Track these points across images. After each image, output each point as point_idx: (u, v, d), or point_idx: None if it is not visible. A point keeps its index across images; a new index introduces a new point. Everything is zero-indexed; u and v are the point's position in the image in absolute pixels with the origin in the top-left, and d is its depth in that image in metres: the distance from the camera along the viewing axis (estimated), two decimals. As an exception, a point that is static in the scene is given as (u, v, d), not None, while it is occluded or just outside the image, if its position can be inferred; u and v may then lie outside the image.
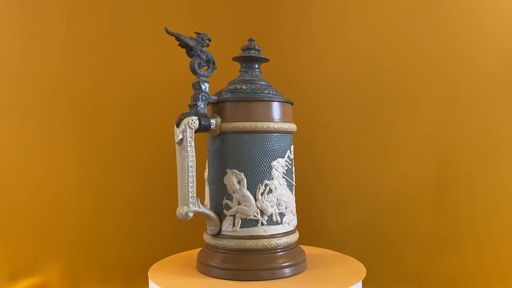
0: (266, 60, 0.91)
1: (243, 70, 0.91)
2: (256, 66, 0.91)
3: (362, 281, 0.85)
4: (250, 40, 0.91)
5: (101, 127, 1.30)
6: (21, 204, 1.30)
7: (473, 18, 1.20)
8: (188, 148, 0.81)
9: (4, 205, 1.30)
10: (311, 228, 1.24)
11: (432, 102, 1.22)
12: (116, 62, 1.30)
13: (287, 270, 0.84)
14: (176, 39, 0.84)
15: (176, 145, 0.82)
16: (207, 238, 0.88)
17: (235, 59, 0.92)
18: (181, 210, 0.81)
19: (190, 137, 0.81)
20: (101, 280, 1.27)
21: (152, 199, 1.30)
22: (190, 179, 0.81)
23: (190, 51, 0.86)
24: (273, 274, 0.83)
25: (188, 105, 0.86)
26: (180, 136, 0.81)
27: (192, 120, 0.81)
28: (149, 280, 0.84)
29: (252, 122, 0.84)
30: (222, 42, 1.25)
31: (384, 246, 1.23)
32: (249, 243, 0.84)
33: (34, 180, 1.30)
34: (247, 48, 0.91)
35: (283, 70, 1.25)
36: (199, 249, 0.93)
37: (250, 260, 0.83)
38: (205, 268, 0.86)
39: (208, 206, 0.88)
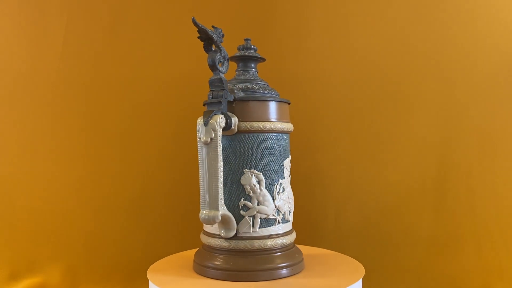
0: (263, 59, 0.91)
1: (240, 69, 0.91)
2: (253, 65, 0.91)
3: (362, 281, 0.85)
4: (247, 39, 0.90)
5: (101, 128, 1.30)
6: (21, 204, 1.30)
7: (471, 19, 1.20)
8: (218, 148, 0.77)
9: (4, 205, 1.30)
10: (311, 228, 1.25)
11: (432, 102, 1.22)
12: (116, 62, 1.30)
13: (287, 270, 0.84)
14: (199, 31, 0.80)
15: (203, 146, 0.78)
16: (215, 241, 0.85)
17: (232, 58, 0.91)
18: (209, 213, 0.77)
19: (219, 136, 0.78)
20: (101, 280, 1.27)
21: (152, 199, 1.30)
22: (220, 180, 0.78)
23: (209, 45, 0.82)
24: (292, 270, 0.85)
25: (207, 103, 0.82)
26: (211, 135, 0.77)
27: (221, 118, 0.78)
28: (149, 282, 0.84)
29: (272, 122, 0.84)
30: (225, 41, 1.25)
31: (384, 246, 1.23)
32: (270, 243, 0.84)
33: (34, 180, 1.30)
34: (245, 48, 0.90)
35: (281, 69, 1.25)
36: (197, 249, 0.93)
37: (264, 259, 0.83)
38: (206, 270, 0.85)
39: None
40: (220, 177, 0.78)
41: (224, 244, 0.84)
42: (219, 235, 0.85)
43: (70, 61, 1.30)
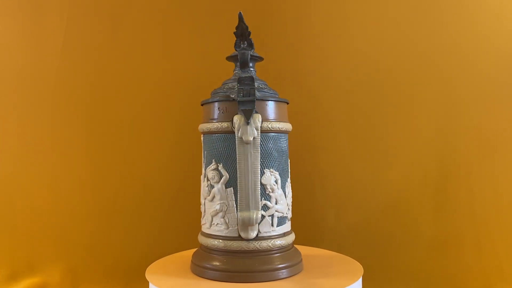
0: (261, 58, 0.90)
1: (237, 69, 0.90)
2: (251, 64, 0.90)
3: (362, 281, 0.85)
4: None
5: (101, 128, 1.30)
6: (21, 204, 1.30)
7: (471, 19, 1.20)
8: (259, 147, 0.77)
9: (4, 205, 1.30)
10: (311, 228, 1.24)
11: (432, 101, 1.22)
12: (116, 62, 1.30)
13: (286, 271, 0.84)
14: (238, 26, 0.79)
15: (243, 145, 0.77)
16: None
17: (229, 58, 0.90)
18: (252, 214, 0.77)
19: (260, 135, 0.78)
20: (101, 280, 1.27)
21: (153, 200, 1.30)
22: (259, 180, 0.78)
23: (241, 41, 0.81)
24: (304, 266, 0.86)
25: (238, 101, 0.80)
26: (254, 134, 0.77)
27: (260, 117, 0.78)
28: (150, 283, 0.84)
29: (286, 123, 0.86)
30: (218, 41, 1.25)
31: (384, 246, 1.23)
32: (285, 240, 0.85)
33: (34, 180, 1.30)
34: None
35: (280, 69, 1.25)
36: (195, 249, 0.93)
37: (264, 260, 0.82)
38: (204, 271, 0.84)
39: (235, 210, 0.83)
40: (259, 177, 0.78)
41: (247, 246, 0.83)
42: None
43: (70, 61, 1.30)
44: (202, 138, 0.89)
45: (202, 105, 0.89)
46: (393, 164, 1.24)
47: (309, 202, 1.26)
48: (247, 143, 0.77)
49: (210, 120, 0.85)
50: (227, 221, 0.83)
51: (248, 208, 0.78)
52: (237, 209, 0.82)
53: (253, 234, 0.82)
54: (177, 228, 1.27)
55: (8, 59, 1.31)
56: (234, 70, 0.91)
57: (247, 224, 0.78)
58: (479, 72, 1.19)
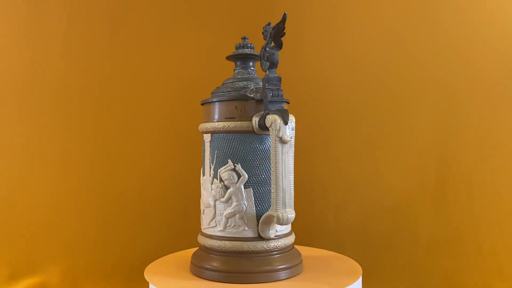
0: None
1: (239, 69, 0.89)
2: (251, 64, 0.90)
3: (362, 281, 0.85)
4: (244, 38, 0.89)
5: (101, 128, 1.30)
6: (21, 204, 1.30)
7: (469, 20, 1.20)
8: (293, 146, 0.78)
9: (4, 205, 1.30)
10: (311, 228, 1.24)
11: (432, 102, 1.22)
12: (116, 62, 1.30)
13: (286, 272, 0.84)
14: (277, 27, 0.78)
15: (282, 145, 0.76)
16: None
17: (229, 57, 0.90)
18: (291, 213, 0.76)
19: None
20: (101, 280, 1.27)
21: (152, 199, 1.30)
22: (293, 180, 0.78)
23: (270, 42, 0.80)
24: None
25: (270, 102, 0.79)
26: (291, 134, 0.76)
27: (293, 117, 0.78)
28: (149, 284, 0.84)
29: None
30: (218, 41, 1.25)
31: (384, 246, 1.23)
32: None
33: (34, 180, 1.30)
34: (242, 46, 0.89)
35: (281, 69, 1.24)
36: (196, 248, 0.92)
37: (264, 261, 0.82)
38: (203, 272, 0.84)
39: (254, 210, 0.82)
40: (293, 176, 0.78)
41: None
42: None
43: (70, 62, 1.30)
44: (208, 138, 0.87)
45: (202, 104, 0.88)
46: (393, 164, 1.24)
47: (309, 202, 1.26)
48: (285, 142, 0.76)
49: (226, 119, 0.83)
50: (246, 222, 0.82)
51: (284, 207, 0.76)
52: (256, 210, 0.82)
53: (274, 233, 0.82)
54: (177, 228, 1.27)
55: (8, 59, 1.31)
56: (235, 70, 0.90)
57: (286, 223, 0.77)
58: (479, 72, 1.19)
